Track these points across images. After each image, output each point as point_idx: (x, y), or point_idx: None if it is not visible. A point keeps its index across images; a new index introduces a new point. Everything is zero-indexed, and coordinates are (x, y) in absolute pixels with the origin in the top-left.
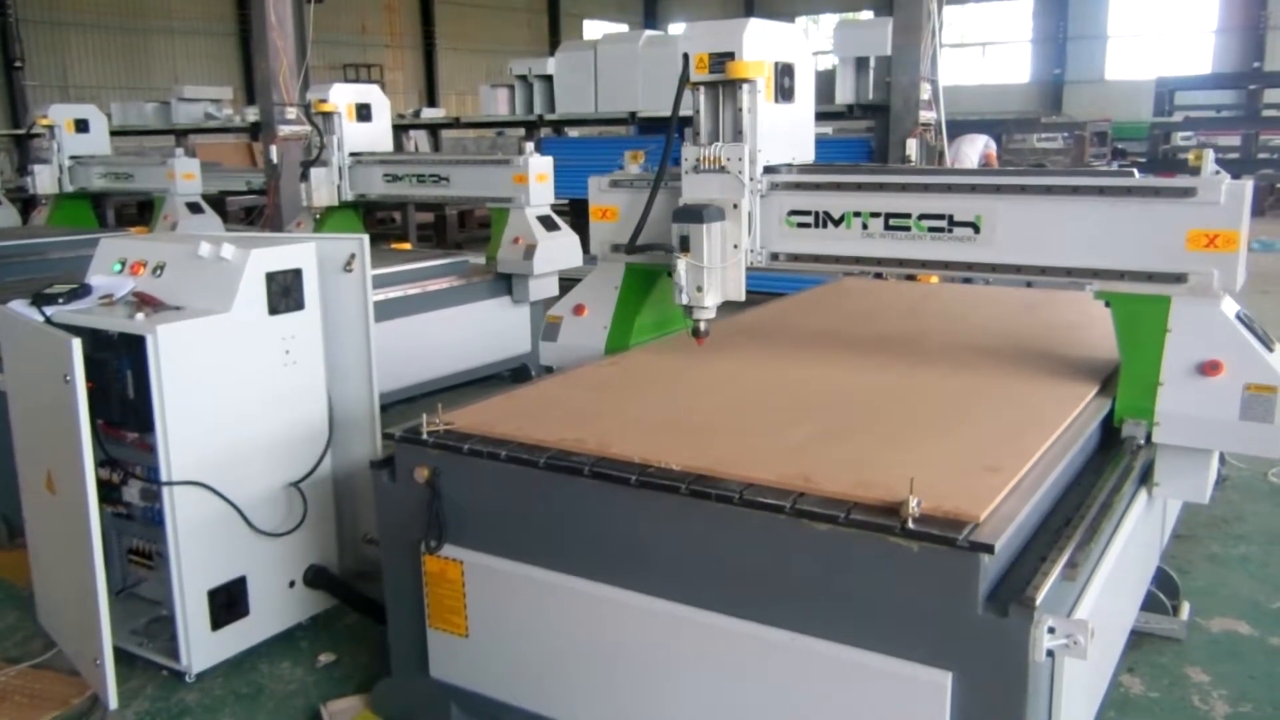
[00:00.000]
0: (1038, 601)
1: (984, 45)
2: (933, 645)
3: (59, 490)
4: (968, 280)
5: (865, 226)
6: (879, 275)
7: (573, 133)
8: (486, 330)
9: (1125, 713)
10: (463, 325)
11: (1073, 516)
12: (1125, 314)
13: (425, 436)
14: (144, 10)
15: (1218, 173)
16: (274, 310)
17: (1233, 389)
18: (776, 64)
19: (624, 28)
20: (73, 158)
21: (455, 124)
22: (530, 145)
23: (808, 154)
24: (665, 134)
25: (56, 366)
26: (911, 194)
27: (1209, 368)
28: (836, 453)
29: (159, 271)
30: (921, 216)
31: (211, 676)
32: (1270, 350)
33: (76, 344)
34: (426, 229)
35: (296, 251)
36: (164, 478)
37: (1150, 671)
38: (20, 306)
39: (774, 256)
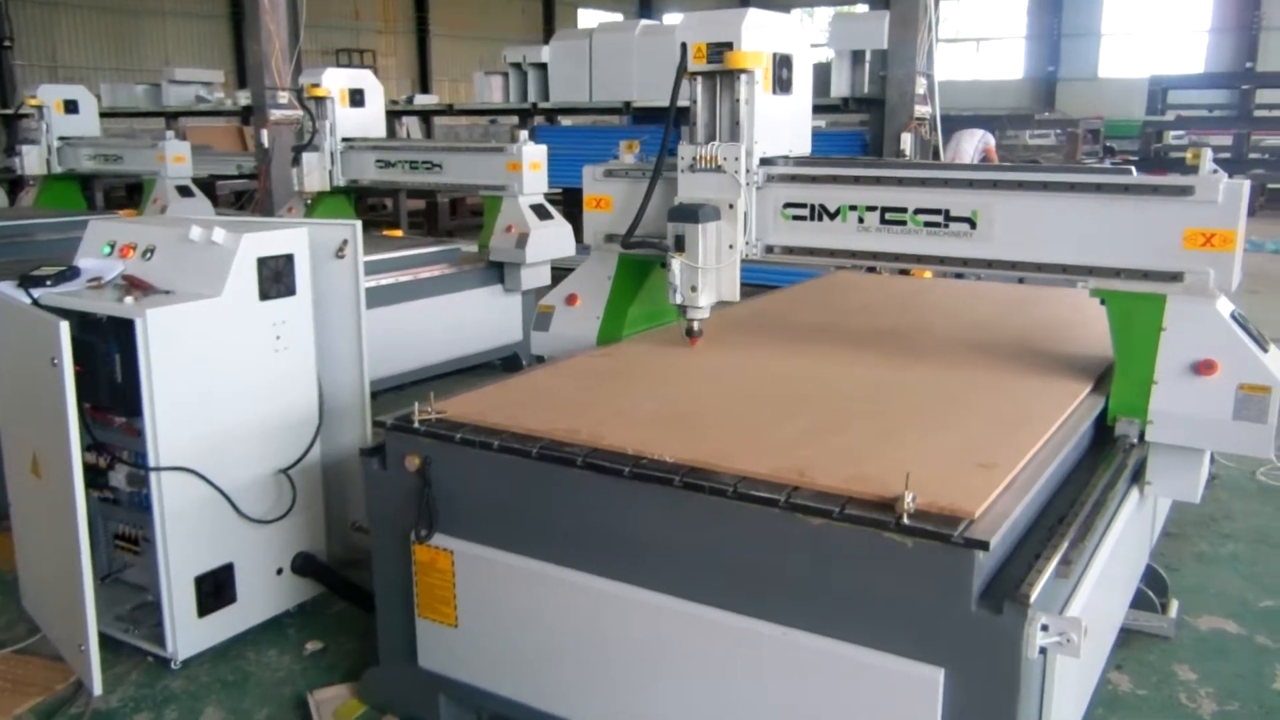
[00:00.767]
0: (1032, 599)
1: (978, 41)
2: (925, 641)
3: (45, 474)
4: (960, 275)
5: (861, 220)
6: (872, 269)
7: (566, 121)
8: (478, 319)
9: (1114, 710)
10: (454, 313)
11: (1066, 514)
12: (1120, 312)
13: (417, 425)
14: None
15: (1216, 171)
16: (265, 295)
17: (1227, 389)
18: (775, 55)
19: (619, 17)
20: (61, 139)
21: (449, 111)
22: (524, 133)
23: (804, 146)
24: (662, 124)
25: (44, 349)
26: (908, 188)
27: (1203, 367)
28: (831, 447)
29: (149, 255)
30: (918, 211)
31: (197, 663)
32: (1265, 350)
33: (64, 327)
34: (417, 216)
35: (289, 236)
36: (152, 463)
37: (1138, 669)
38: (7, 288)
39: (769, 249)
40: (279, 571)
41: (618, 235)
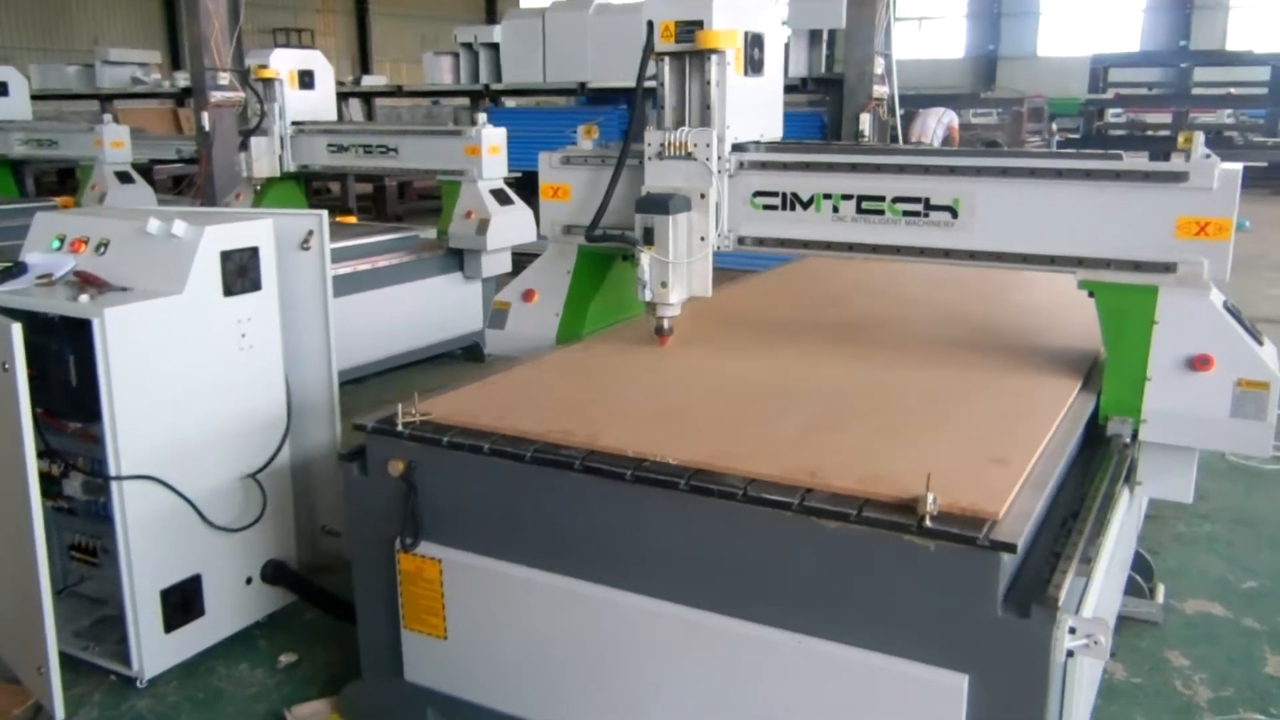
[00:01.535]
0: (1060, 601)
1: (920, 20)
2: (948, 647)
3: None
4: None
5: (836, 209)
6: None
7: (510, 103)
8: (437, 307)
9: (1112, 699)
10: (413, 302)
11: (1078, 510)
12: (1110, 305)
13: (401, 428)
14: None
15: (1209, 156)
16: (229, 291)
17: (1223, 385)
18: (747, 34)
19: None
20: None
21: (398, 92)
22: (483, 116)
23: (776, 130)
24: (618, 105)
25: None
26: (885, 175)
27: (1199, 362)
28: (836, 445)
29: (102, 249)
30: (896, 199)
31: (165, 681)
32: (1260, 344)
33: (17, 330)
34: (365, 200)
35: (253, 228)
36: (112, 471)
37: (1131, 656)
38: None
39: (741, 241)
40: (248, 581)
41: (577, 226)
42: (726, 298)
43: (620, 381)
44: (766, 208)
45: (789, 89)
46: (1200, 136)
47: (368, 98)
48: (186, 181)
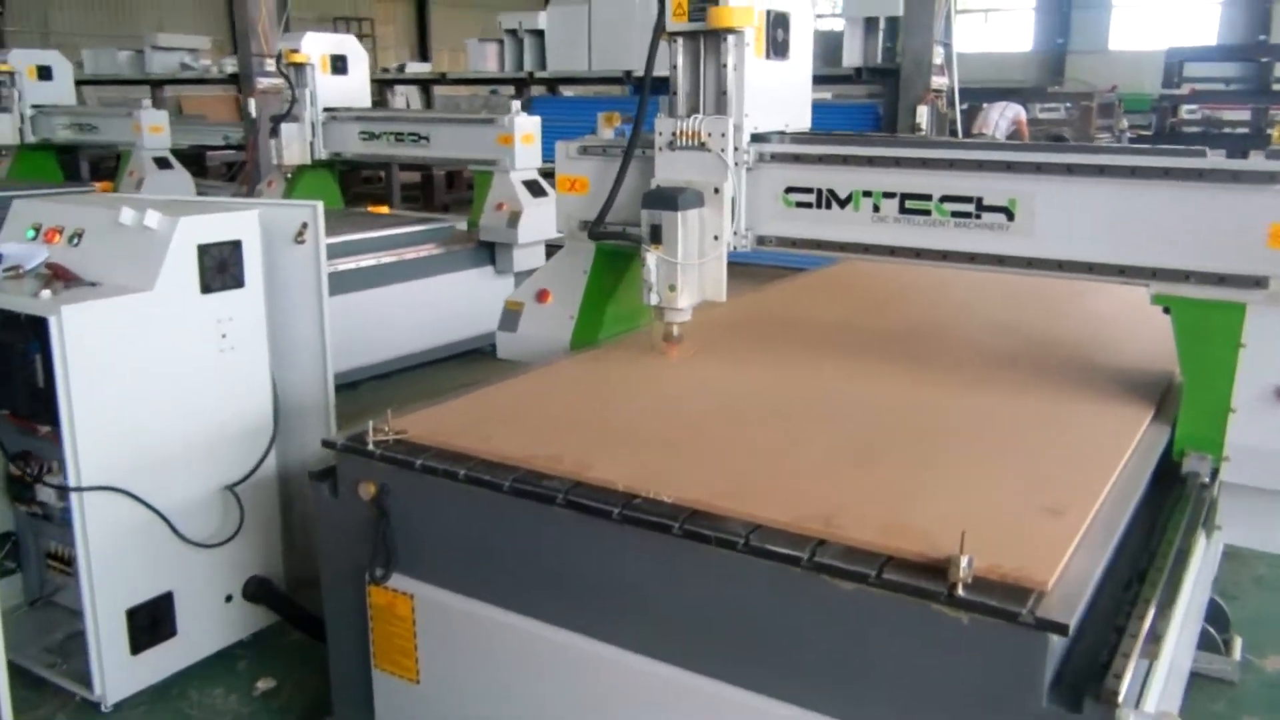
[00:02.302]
0: (1121, 695)
1: (987, 12)
2: None
3: None
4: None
5: (876, 208)
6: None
7: (568, 92)
8: (467, 302)
9: None
10: (442, 297)
11: (1145, 570)
12: (1189, 324)
13: (371, 448)
14: None
15: None
16: (207, 288)
17: None
18: (769, 12)
19: None
20: (35, 107)
21: (441, 80)
22: (517, 104)
23: (803, 120)
24: (638, 91)
25: None
26: (934, 170)
27: None
28: (861, 484)
29: (76, 240)
30: (945, 198)
31: (131, 706)
32: None
33: None
34: (414, 189)
35: (234, 220)
36: (73, 482)
37: None
38: None
39: (761, 241)
40: (228, 599)
41: (591, 224)
42: (751, 302)
43: (625, 398)
44: (800, 205)
45: (844, 79)
46: None
47: (424, 85)
48: (237, 167)
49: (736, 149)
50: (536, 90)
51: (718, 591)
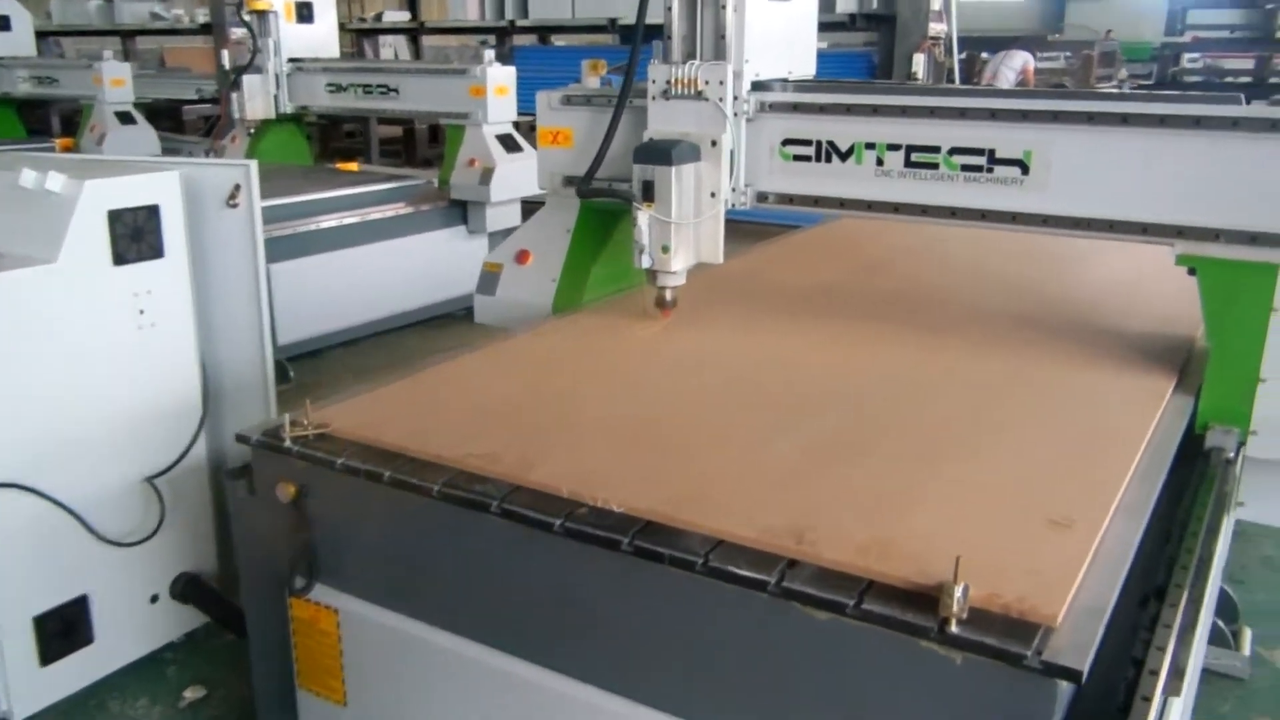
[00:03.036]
0: None
1: None
2: None
3: None
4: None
5: (880, 162)
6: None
7: (560, 41)
8: (438, 264)
9: None
10: (411, 258)
11: (1163, 586)
12: (1217, 286)
13: (288, 444)
14: None
15: None
16: (120, 259)
17: None
18: None
19: None
20: None
21: (420, 30)
22: (490, 53)
23: (808, 67)
24: (630, 38)
25: None
26: (942, 120)
27: None
28: (842, 486)
29: None
30: (954, 151)
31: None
32: None
33: None
34: (394, 144)
35: (151, 183)
36: None
37: None
38: None
39: (761, 197)
40: (154, 599)
41: (578, 178)
42: (737, 265)
43: (587, 378)
44: (798, 158)
45: (837, 26)
46: None
47: (413, 36)
48: (212, 122)
49: (736, 98)
50: (525, 40)
51: (674, 616)
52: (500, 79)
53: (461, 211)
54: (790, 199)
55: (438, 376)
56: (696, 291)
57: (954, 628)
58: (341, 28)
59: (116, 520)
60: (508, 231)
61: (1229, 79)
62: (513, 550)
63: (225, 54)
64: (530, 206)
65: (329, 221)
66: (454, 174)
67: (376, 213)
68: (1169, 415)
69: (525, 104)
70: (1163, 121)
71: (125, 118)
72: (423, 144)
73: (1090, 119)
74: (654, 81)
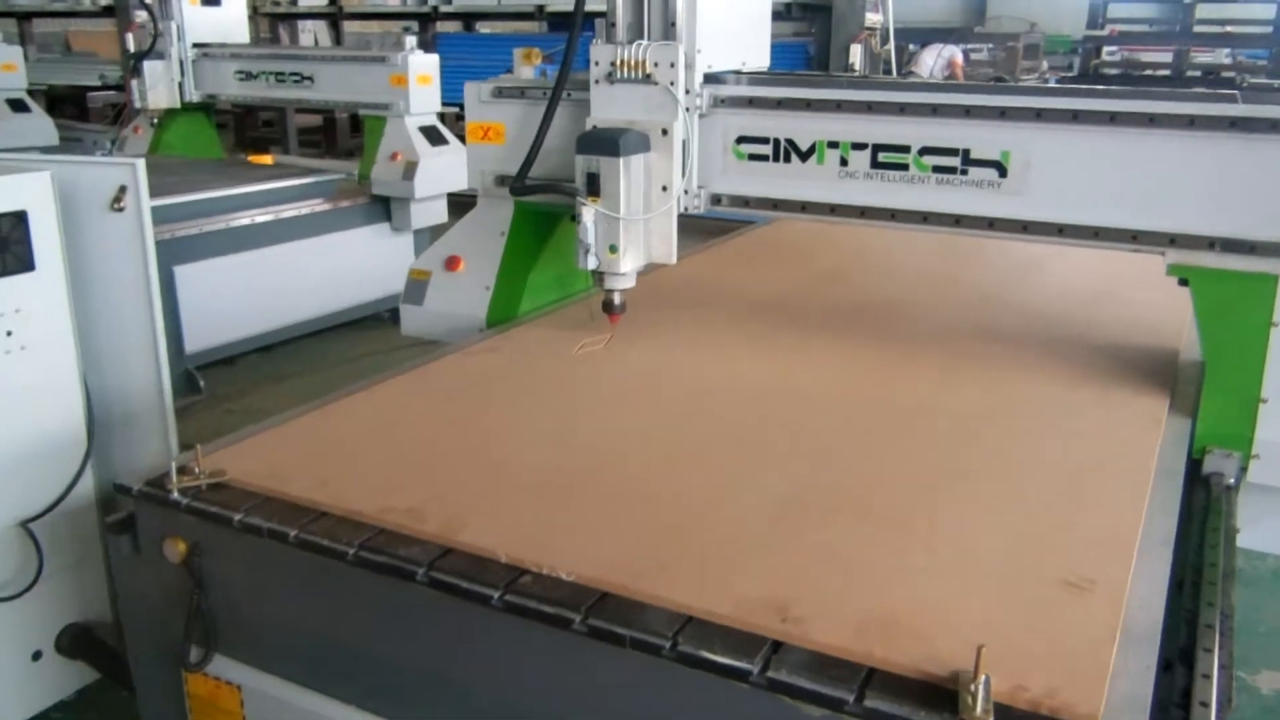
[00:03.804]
0: None
1: None
2: None
3: None
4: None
5: (844, 162)
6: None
7: (484, 29)
8: (360, 263)
9: None
10: (331, 257)
11: (1187, 648)
12: (1212, 299)
13: (175, 496)
14: None
15: None
16: None
17: None
18: None
19: None
20: None
21: (338, 15)
22: (411, 40)
23: (761, 58)
24: (570, 21)
25: None
26: (912, 118)
27: None
28: (821, 546)
29: None
30: (925, 150)
31: None
32: None
33: None
34: (314, 134)
35: (16, 185)
36: None
37: None
38: None
39: (716, 200)
40: (36, 656)
41: (512, 176)
42: (685, 268)
43: (525, 410)
44: (753, 158)
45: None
46: None
47: (333, 21)
48: (118, 110)
49: (689, 91)
50: (449, 27)
51: (637, 707)
52: (423, 67)
53: (384, 208)
54: (746, 202)
55: (351, 409)
56: (644, 299)
57: None
58: (256, 12)
59: None
60: (434, 229)
61: (1147, 72)
62: (444, 626)
63: (129, 37)
64: (458, 201)
65: (240, 219)
66: (375, 168)
67: (292, 210)
68: (1169, 441)
69: (449, 94)
70: (1153, 121)
71: (18, 105)
72: (344, 134)
73: (1074, 117)
74: (597, 64)
